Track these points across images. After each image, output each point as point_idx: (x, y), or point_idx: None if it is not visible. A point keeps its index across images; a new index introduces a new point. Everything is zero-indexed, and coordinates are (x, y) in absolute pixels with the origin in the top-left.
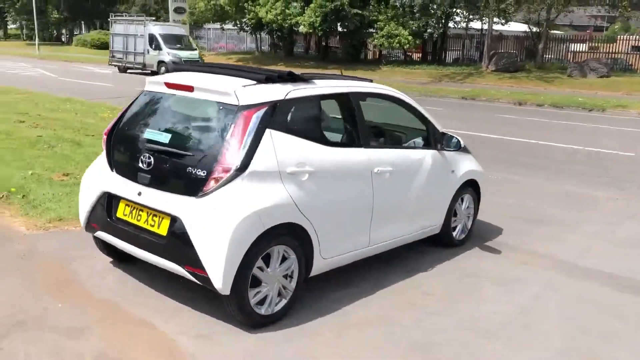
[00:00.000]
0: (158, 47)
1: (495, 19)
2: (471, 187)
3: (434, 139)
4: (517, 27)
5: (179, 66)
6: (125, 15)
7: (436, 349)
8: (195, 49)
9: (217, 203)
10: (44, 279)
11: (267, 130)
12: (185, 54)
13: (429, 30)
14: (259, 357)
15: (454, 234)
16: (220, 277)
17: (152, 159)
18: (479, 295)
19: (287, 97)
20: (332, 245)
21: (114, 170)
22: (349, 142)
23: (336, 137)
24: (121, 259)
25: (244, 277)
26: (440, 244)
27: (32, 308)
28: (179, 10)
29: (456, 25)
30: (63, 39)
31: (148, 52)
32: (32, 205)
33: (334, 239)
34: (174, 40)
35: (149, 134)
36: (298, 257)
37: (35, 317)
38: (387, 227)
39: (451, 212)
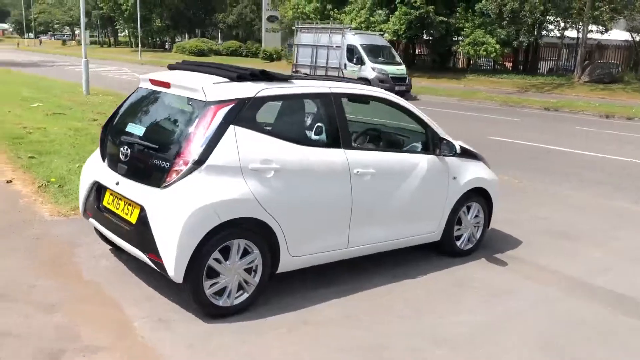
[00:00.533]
0: (360, 61)
1: (594, 27)
2: (481, 195)
3: (432, 144)
4: (619, 35)
5: (174, 64)
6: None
7: (384, 353)
8: (401, 63)
9: (175, 194)
10: (45, 259)
11: (231, 127)
12: (391, 69)
13: (519, 39)
14: (203, 345)
15: (459, 243)
16: (172, 265)
17: (128, 151)
18: (458, 305)
19: (257, 95)
20: (301, 243)
21: (105, 160)
22: (327, 142)
23: (313, 136)
24: (117, 247)
25: (198, 267)
26: (443, 253)
27: (20, 283)
28: (271, 19)
29: (549, 34)
30: (167, 46)
31: (345, 67)
32: (64, 194)
33: (304, 238)
34: (377, 53)
35: (129, 127)
36: (262, 253)
37: (19, 292)
38: (371, 230)
39: (453, 220)
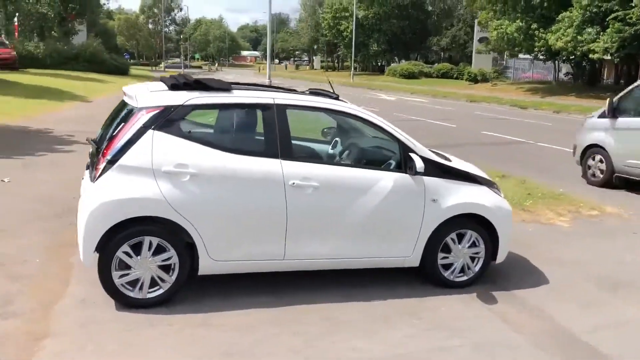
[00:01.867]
0: None
1: None
2: (481, 224)
3: (403, 161)
4: None
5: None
6: None
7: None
8: None
9: (94, 189)
10: (61, 241)
11: (150, 131)
12: None
13: None
14: (92, 326)
15: (447, 272)
16: (81, 251)
17: (92, 151)
18: (386, 334)
19: (185, 103)
20: (224, 248)
21: None
22: (261, 151)
23: (245, 145)
24: None
25: (107, 257)
26: (427, 280)
27: (18, 256)
28: (481, 40)
29: None
30: (384, 69)
31: None
32: None
33: (227, 243)
34: None
35: (98, 131)
36: (178, 252)
37: (9, 260)
38: (317, 245)
39: (436, 246)
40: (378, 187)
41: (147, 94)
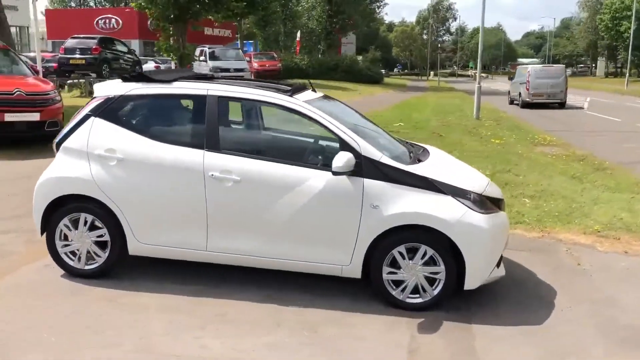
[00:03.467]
0: None
1: None
2: (440, 240)
3: None
4: None
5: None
6: None
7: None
8: None
9: (47, 168)
10: None
11: (92, 118)
12: None
13: None
14: (24, 285)
15: (396, 291)
16: (34, 223)
17: None
18: (252, 339)
19: (125, 93)
20: (148, 232)
21: None
22: (188, 142)
23: (174, 134)
24: None
25: (51, 228)
26: (380, 298)
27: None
28: None
29: None
30: None
31: None
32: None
33: (151, 228)
34: None
35: None
36: (110, 231)
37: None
38: (241, 240)
39: (380, 258)
40: (307, 186)
41: (102, 85)
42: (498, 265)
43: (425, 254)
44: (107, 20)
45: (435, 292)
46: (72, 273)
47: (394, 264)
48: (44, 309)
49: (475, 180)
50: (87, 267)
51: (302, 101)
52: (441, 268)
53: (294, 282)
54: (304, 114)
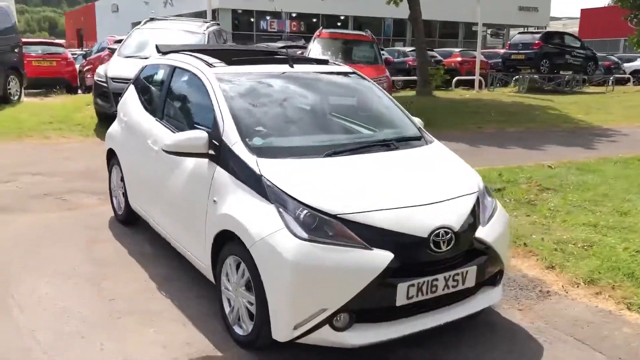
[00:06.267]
0: None
1: None
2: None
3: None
4: None
5: None
6: None
7: None
8: None
9: None
10: None
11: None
12: None
13: None
14: None
15: (227, 310)
16: None
17: None
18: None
19: (146, 64)
20: (136, 194)
21: None
22: (154, 111)
23: (152, 103)
24: None
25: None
26: None
27: None
28: None
29: None
30: None
31: None
32: None
33: (137, 189)
34: None
35: None
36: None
37: None
38: (160, 212)
39: (220, 267)
40: (182, 166)
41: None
42: (329, 325)
43: (243, 273)
44: None
45: (250, 327)
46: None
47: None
48: None
49: (368, 198)
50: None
51: (222, 73)
52: (253, 297)
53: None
54: (204, 87)
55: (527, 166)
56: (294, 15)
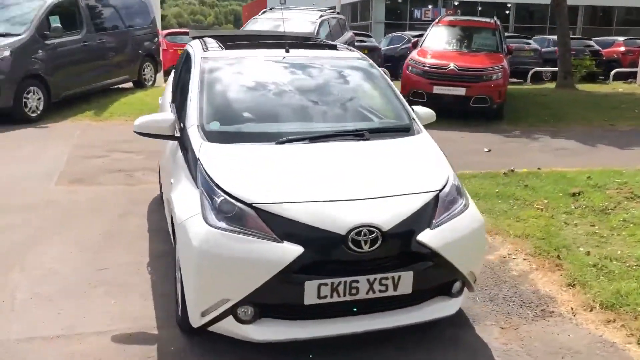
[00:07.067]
0: None
1: None
2: None
3: None
4: None
5: None
6: None
7: None
8: None
9: None
10: None
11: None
12: None
13: None
14: None
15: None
16: None
17: None
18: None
19: None
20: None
21: None
22: (172, 95)
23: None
24: None
25: None
26: None
27: None
28: None
29: None
30: None
31: None
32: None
33: (161, 167)
34: None
35: None
36: None
37: None
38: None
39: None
40: (172, 147)
41: None
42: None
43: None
44: None
45: (180, 310)
46: None
47: None
48: None
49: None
50: None
51: (209, 56)
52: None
53: None
54: (192, 70)
55: (635, 170)
56: (455, 3)
